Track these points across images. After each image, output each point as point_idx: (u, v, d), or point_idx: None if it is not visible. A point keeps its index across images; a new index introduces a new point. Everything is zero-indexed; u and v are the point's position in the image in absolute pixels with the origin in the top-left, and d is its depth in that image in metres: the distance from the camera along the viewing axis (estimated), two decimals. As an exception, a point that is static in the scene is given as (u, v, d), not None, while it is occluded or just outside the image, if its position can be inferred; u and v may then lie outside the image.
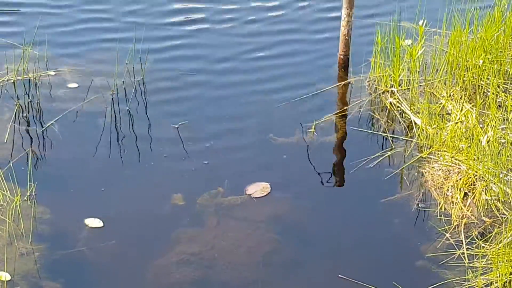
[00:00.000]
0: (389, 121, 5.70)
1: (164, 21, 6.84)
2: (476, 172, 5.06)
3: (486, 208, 4.91)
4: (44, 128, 5.59)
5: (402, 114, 5.72)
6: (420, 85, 5.88)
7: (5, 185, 4.97)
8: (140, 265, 4.64)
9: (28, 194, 4.98)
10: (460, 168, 5.15)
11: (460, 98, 5.72)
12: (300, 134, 5.59)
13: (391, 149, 5.45)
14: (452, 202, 4.98)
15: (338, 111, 5.84)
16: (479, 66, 5.84)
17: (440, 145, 5.34)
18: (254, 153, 5.46)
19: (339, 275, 4.56)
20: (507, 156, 5.10)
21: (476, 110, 5.54)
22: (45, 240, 4.74)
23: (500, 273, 4.45)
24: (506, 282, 4.42)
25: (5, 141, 5.45)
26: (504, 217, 4.82)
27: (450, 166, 5.19)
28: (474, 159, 5.14)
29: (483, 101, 5.62)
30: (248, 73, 6.25)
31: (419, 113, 5.63)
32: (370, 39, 6.24)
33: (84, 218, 4.87)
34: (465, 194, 5.00)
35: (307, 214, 5.00)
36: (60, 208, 4.95)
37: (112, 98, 5.84)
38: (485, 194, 4.95)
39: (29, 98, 5.85)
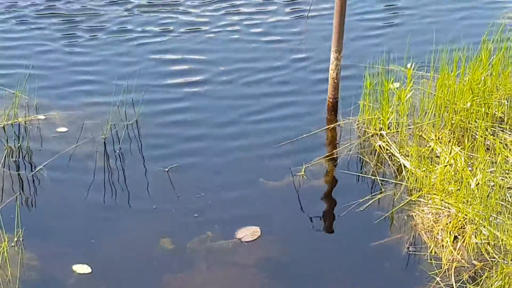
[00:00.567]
0: (378, 164, 5.71)
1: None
2: (466, 215, 5.06)
3: (476, 252, 4.90)
4: (34, 172, 5.58)
5: (391, 157, 5.73)
6: (409, 128, 5.91)
7: (-8, 230, 4.95)
8: (129, 311, 4.61)
9: (15, 239, 4.94)
10: (449, 211, 5.15)
11: (449, 141, 5.73)
12: (290, 178, 5.58)
13: (381, 192, 5.45)
14: (442, 245, 4.97)
15: (327, 154, 5.85)
16: (467, 109, 5.87)
17: (429, 188, 5.34)
18: (244, 196, 5.45)
19: (330, 320, 4.54)
20: (496, 199, 5.10)
21: (464, 153, 5.55)
22: (32, 286, 4.69)
23: (491, 318, 4.44)
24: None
25: (-7, 185, 5.44)
26: (494, 261, 4.81)
27: (439, 209, 5.19)
28: (464, 202, 5.14)
29: (471, 144, 5.64)
30: (237, 117, 6.27)
31: (408, 156, 5.64)
32: (359, 83, 6.27)
33: (72, 264, 4.83)
34: (455, 237, 5.00)
35: (297, 258, 4.98)
36: (47, 253, 4.91)
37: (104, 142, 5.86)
38: (475, 237, 4.94)
39: (19, 142, 5.85)
